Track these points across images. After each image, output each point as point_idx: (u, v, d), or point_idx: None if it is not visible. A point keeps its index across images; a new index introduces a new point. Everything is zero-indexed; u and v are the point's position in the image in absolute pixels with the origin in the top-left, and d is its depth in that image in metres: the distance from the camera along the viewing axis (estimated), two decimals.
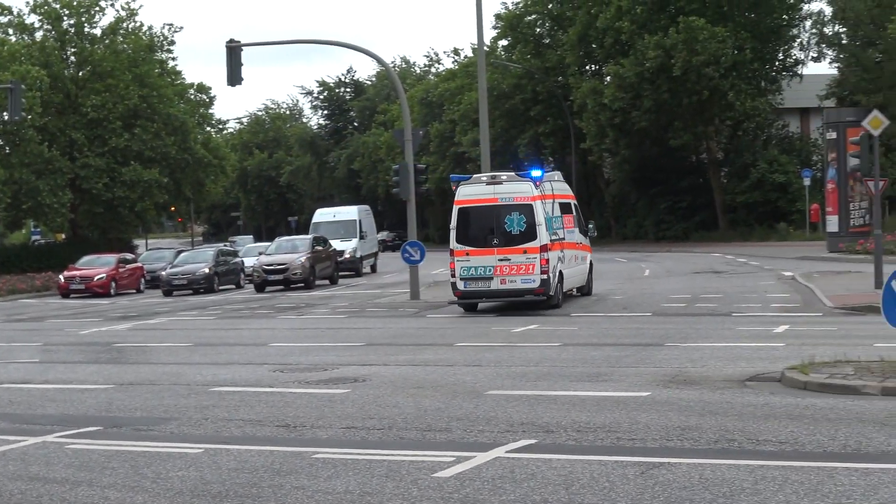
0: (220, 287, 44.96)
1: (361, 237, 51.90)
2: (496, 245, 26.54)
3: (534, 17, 75.83)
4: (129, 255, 51.62)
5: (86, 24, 62.62)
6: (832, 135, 45.14)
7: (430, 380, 15.25)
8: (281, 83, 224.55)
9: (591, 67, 72.32)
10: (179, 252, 52.35)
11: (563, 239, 28.37)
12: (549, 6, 74.40)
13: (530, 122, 73.95)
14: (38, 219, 65.62)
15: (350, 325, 25.59)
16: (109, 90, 61.42)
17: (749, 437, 10.44)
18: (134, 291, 46.50)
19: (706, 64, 59.51)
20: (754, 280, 33.69)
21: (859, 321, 21.26)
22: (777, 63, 66.36)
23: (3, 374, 18.48)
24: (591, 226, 32.92)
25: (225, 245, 64.13)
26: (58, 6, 62.02)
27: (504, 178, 27.25)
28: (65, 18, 62.35)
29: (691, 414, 11.74)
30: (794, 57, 66.67)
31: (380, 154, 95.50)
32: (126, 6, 63.57)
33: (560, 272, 27.52)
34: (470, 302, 27.66)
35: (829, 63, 66.29)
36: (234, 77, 33.92)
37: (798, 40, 66.40)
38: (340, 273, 46.73)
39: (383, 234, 71.81)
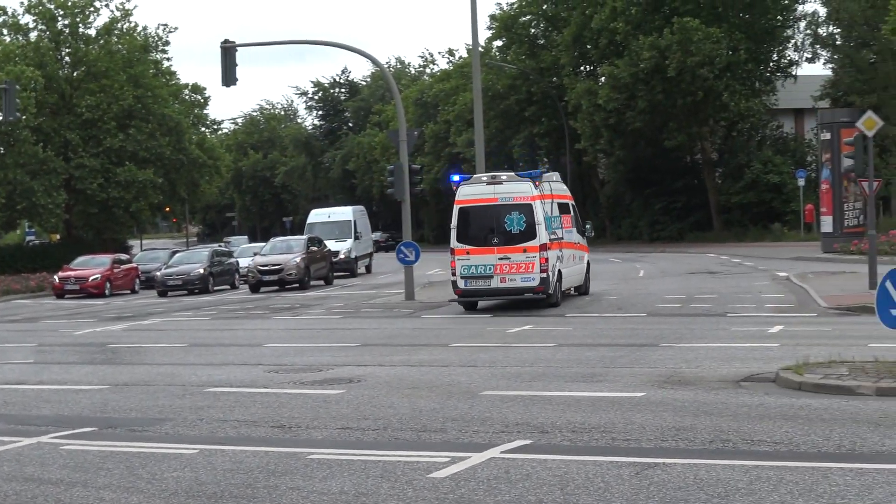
0: (215, 288, 44.93)
1: (356, 238, 51.89)
2: (496, 244, 26.85)
3: (528, 17, 75.84)
4: (123, 256, 51.56)
5: (80, 25, 62.54)
6: (826, 135, 45.18)
7: (425, 380, 15.25)
8: (275, 84, 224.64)
9: (585, 68, 72.35)
10: (174, 252, 52.29)
11: (562, 238, 28.66)
12: (544, 7, 74.42)
13: (525, 123, 73.98)
14: (33, 219, 65.55)
15: (345, 326, 25.58)
16: (104, 90, 61.34)
17: (744, 438, 10.45)
18: (129, 292, 46.44)
19: (700, 65, 59.57)
20: (749, 280, 33.72)
21: (854, 321, 21.29)
22: (771, 64, 66.45)
23: None
24: (588, 226, 33.19)
25: (220, 245, 64.05)
26: (52, 6, 61.94)
27: (504, 177, 27.65)
28: (59, 19, 62.26)
29: (686, 414, 11.75)
30: (788, 58, 66.80)
31: (374, 154, 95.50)
32: (120, 7, 63.53)
33: (559, 271, 27.83)
34: (470, 300, 27.94)
35: (824, 64, 66.43)
36: (229, 77, 33.93)
37: (792, 41, 66.53)
38: (335, 273, 46.71)
39: (376, 235, 71.88)
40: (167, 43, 66.22)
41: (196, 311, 32.89)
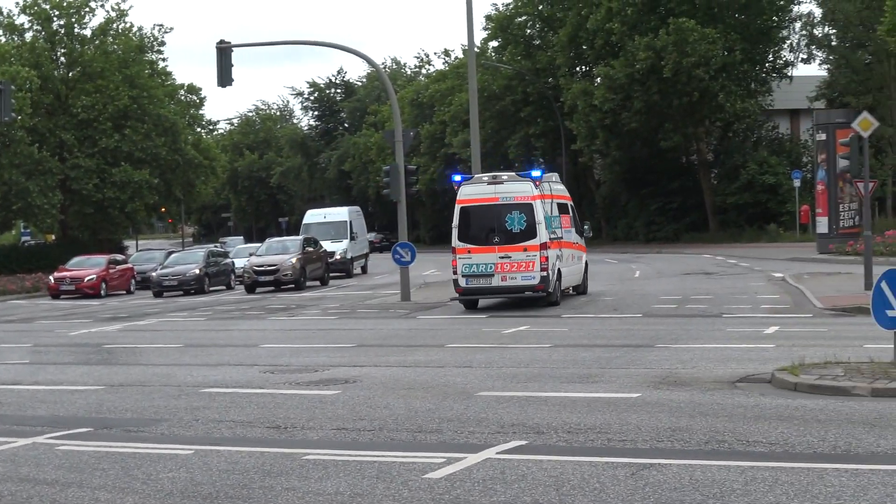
0: (211, 288, 44.92)
1: (352, 238, 51.87)
2: (497, 243, 27.24)
3: (524, 18, 75.87)
4: (119, 256, 51.54)
5: (76, 25, 62.51)
6: (822, 136, 45.20)
7: (420, 381, 15.25)
8: (271, 84, 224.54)
9: (581, 69, 72.37)
10: (170, 253, 52.28)
11: (561, 238, 29.01)
12: (540, 7, 74.44)
13: (521, 124, 73.99)
14: (28, 220, 65.50)
15: (341, 327, 25.58)
16: (99, 91, 61.32)
17: (739, 438, 10.45)
18: (124, 292, 46.42)
19: (696, 65, 59.60)
20: (744, 281, 33.74)
21: (849, 322, 21.30)
22: (767, 64, 66.48)
23: None
24: (586, 226, 33.61)
25: (215, 246, 64.02)
26: (48, 7, 61.90)
27: (505, 177, 28.07)
28: (55, 19, 62.22)
29: (682, 415, 11.75)
30: (783, 58, 66.80)
31: (370, 155, 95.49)
32: (116, 7, 63.56)
33: (559, 270, 28.21)
34: (471, 298, 28.27)
35: (819, 65, 66.50)
36: (225, 78, 33.90)
37: (788, 42, 66.56)
38: (331, 274, 46.73)
39: (370, 236, 71.85)
40: (163, 43, 66.29)
41: (192, 312, 32.88)
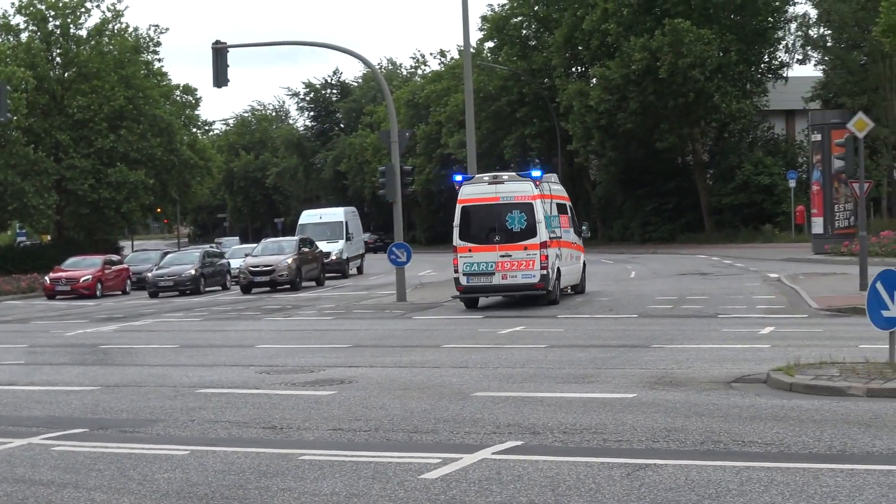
0: (207, 289, 44.91)
1: (348, 239, 51.88)
2: (498, 242, 27.63)
3: (520, 19, 75.91)
4: (114, 257, 51.51)
5: (71, 26, 62.41)
6: (817, 137, 45.25)
7: (416, 381, 15.25)
8: (267, 84, 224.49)
9: (577, 69, 72.42)
10: (165, 253, 52.28)
11: (561, 238, 29.41)
12: (536, 8, 74.48)
13: (517, 124, 74.02)
14: (24, 220, 65.39)
15: (336, 327, 25.57)
16: (95, 91, 61.25)
17: (735, 439, 10.46)
18: (120, 293, 46.39)
19: (692, 66, 59.65)
20: (740, 282, 33.77)
21: (844, 322, 21.32)
22: (762, 65, 66.58)
23: None
24: (584, 227, 34.15)
25: (211, 246, 64.02)
26: (43, 7, 61.80)
27: (505, 177, 28.56)
28: (50, 19, 62.14)
29: (677, 415, 11.76)
30: (779, 59, 66.92)
31: (366, 155, 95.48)
32: (112, 7, 63.42)
33: (558, 269, 28.59)
34: (472, 297, 28.61)
35: (815, 65, 66.62)
36: (221, 78, 33.90)
37: (783, 43, 66.67)
38: (327, 275, 46.73)
39: (365, 236, 71.91)
40: (158, 44, 66.21)
41: (187, 312, 32.86)
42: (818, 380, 13.22)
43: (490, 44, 78.50)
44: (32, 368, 19.35)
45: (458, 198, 28.31)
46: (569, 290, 30.94)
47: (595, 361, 16.64)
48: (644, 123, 64.08)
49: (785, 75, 66.58)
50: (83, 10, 62.46)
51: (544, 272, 27.38)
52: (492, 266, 27.58)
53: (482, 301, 29.34)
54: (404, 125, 74.46)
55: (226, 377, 16.77)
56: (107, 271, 46.06)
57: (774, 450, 9.98)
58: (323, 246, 47.96)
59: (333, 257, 49.45)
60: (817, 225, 45.35)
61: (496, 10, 76.19)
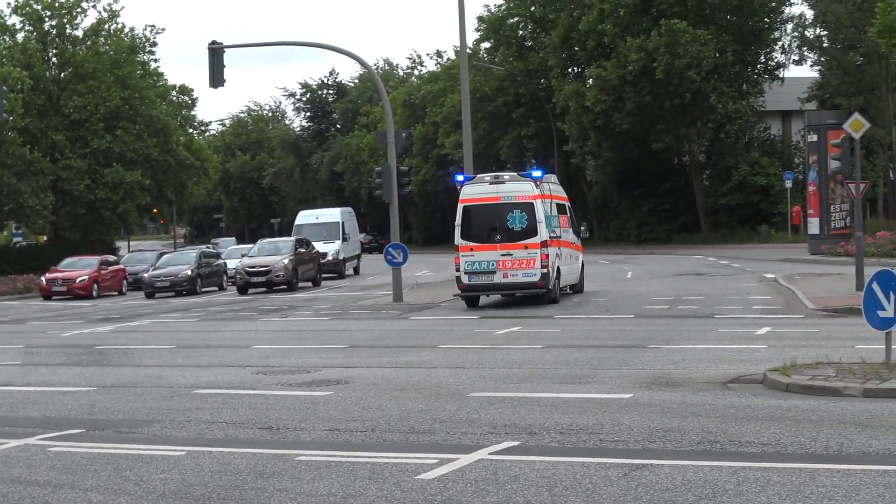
0: (203, 289, 44.87)
1: (344, 239, 51.88)
2: (499, 241, 27.98)
3: (516, 19, 75.91)
4: (111, 257, 51.45)
5: (67, 26, 62.43)
6: (813, 137, 45.28)
7: (413, 382, 15.25)
8: (263, 85, 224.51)
9: (573, 70, 72.41)
10: (162, 254, 52.23)
11: (560, 237, 29.78)
12: (532, 9, 74.47)
13: (513, 125, 74.03)
14: (20, 221, 65.39)
15: (333, 328, 25.57)
16: (91, 92, 61.25)
17: (731, 439, 10.47)
18: (116, 293, 46.35)
19: (688, 67, 59.66)
20: (736, 282, 33.79)
21: (841, 323, 21.34)
22: (759, 66, 66.58)
23: None
24: (583, 227, 34.65)
25: (207, 247, 63.96)
26: (39, 7, 61.81)
27: (506, 177, 28.99)
28: (46, 20, 62.14)
29: (674, 416, 11.77)
30: (775, 60, 66.93)
31: (362, 156, 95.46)
32: (108, 7, 63.47)
33: (558, 268, 28.92)
34: (473, 295, 28.89)
35: (811, 66, 66.66)
36: (217, 79, 33.88)
37: (779, 43, 66.70)
38: (323, 275, 46.71)
39: (360, 237, 71.84)
40: (154, 44, 66.27)
41: (184, 313, 32.84)
42: (815, 380, 13.23)
43: (486, 44, 78.52)
44: (29, 369, 19.33)
45: (460, 197, 28.61)
46: (567, 290, 31.14)
47: (591, 362, 16.64)
48: (640, 124, 64.09)
49: (781, 76, 66.60)
50: (79, 10, 62.50)
51: (545, 271, 27.71)
52: (493, 265, 27.89)
53: (482, 300, 29.56)
54: (401, 126, 74.43)
55: (222, 378, 16.76)
56: (103, 272, 46.03)
57: (771, 450, 9.99)
58: (319, 246, 47.94)
59: (330, 258, 49.44)
60: (813, 225, 45.38)
61: (493, 10, 76.20)
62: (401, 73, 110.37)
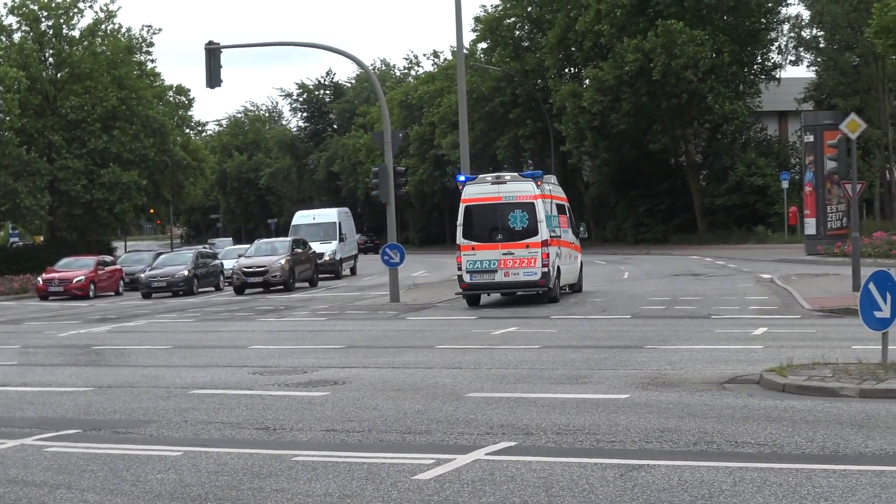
0: (200, 289, 44.86)
1: (341, 239, 51.87)
2: (500, 240, 28.36)
3: (513, 20, 75.90)
4: (107, 258, 51.42)
5: (64, 26, 62.39)
6: (810, 138, 45.30)
7: (409, 382, 15.25)
8: (260, 85, 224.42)
9: (570, 70, 72.40)
10: (158, 254, 52.20)
11: (560, 237, 30.14)
12: (529, 9, 74.46)
13: (510, 125, 74.02)
14: (17, 221, 65.33)
15: (330, 328, 25.56)
16: (88, 92, 61.22)
17: (728, 439, 10.48)
18: (113, 294, 46.34)
19: (685, 67, 59.66)
20: (733, 282, 33.80)
21: (837, 323, 21.35)
22: (755, 66, 66.62)
23: None
24: (581, 227, 35.05)
25: (204, 247, 63.95)
26: (36, 8, 61.77)
27: (508, 177, 29.42)
28: (43, 20, 62.09)
29: (670, 416, 11.77)
30: (772, 60, 66.96)
31: (359, 156, 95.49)
32: (104, 8, 63.48)
33: (558, 267, 29.27)
34: (475, 294, 29.27)
35: (807, 66, 66.66)
36: (214, 79, 33.85)
37: (776, 44, 66.73)
38: (320, 275, 46.71)
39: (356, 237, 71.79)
40: (151, 44, 66.24)
41: (180, 313, 32.83)
42: (811, 380, 13.24)
43: (483, 45, 78.48)
44: (25, 369, 19.33)
45: (462, 197, 28.94)
46: (567, 289, 31.36)
47: (588, 362, 16.65)
48: (637, 124, 64.10)
49: (778, 76, 66.64)
50: (76, 10, 62.44)
51: (545, 269, 28.07)
52: (494, 263, 28.27)
53: (483, 299, 29.91)
54: (397, 126, 74.40)
55: (219, 378, 16.76)
56: (100, 272, 46.02)
57: (767, 450, 10.00)
58: (316, 247, 47.93)
59: (327, 258, 49.43)
60: (810, 226, 45.40)
61: (489, 11, 76.21)
62: (397, 74, 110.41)
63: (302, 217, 54.09)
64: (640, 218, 68.48)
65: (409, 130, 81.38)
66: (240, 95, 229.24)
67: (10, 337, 26.81)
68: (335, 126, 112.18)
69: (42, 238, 71.68)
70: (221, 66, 33.91)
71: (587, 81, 66.74)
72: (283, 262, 42.29)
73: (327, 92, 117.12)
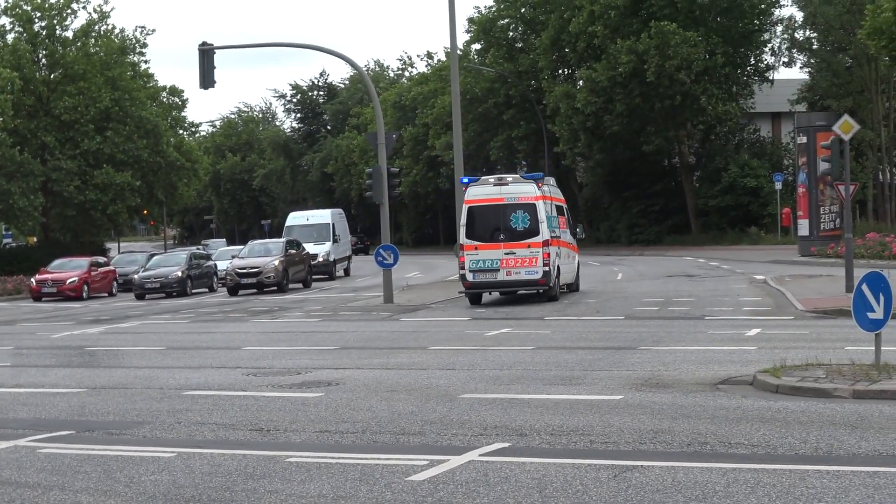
0: (193, 290, 44.82)
1: (335, 240, 51.86)
2: (502, 240, 29.12)
3: (507, 21, 75.90)
4: (101, 259, 51.37)
5: (57, 27, 62.31)
6: (803, 139, 45.36)
7: (403, 383, 15.25)
8: (253, 86, 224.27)
9: (563, 71, 72.45)
10: (152, 255, 52.17)
11: (560, 238, 30.85)
12: (522, 10, 74.47)
13: (503, 126, 74.03)
14: (10, 222, 65.24)
15: (323, 329, 25.55)
16: (81, 93, 61.13)
17: (721, 440, 10.49)
18: (106, 295, 46.29)
19: (678, 69, 59.67)
20: (726, 284, 33.83)
21: (830, 324, 21.37)
22: (748, 68, 66.68)
23: None
24: (579, 228, 36.08)
25: (198, 248, 63.90)
26: (29, 8, 61.68)
27: (510, 179, 30.25)
28: (36, 21, 62.01)
29: (664, 417, 11.78)
30: (765, 62, 67.03)
31: (353, 157, 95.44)
32: (98, 9, 63.35)
33: (558, 266, 29.96)
34: (477, 292, 29.94)
35: (800, 68, 66.83)
36: (207, 80, 33.87)
37: (769, 45, 66.80)
38: (314, 276, 46.68)
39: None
40: (145, 45, 66.16)
41: (174, 314, 32.80)
42: (804, 381, 13.26)
43: (477, 46, 78.51)
44: (18, 370, 19.30)
45: (465, 198, 29.68)
46: (564, 288, 31.89)
47: (582, 363, 16.66)
48: (631, 126, 64.13)
49: (771, 78, 66.69)
50: (69, 11, 62.37)
51: (546, 269, 28.79)
52: (497, 263, 29.03)
53: (484, 297, 30.61)
54: (391, 127, 74.44)
55: (213, 379, 16.75)
56: (93, 273, 45.97)
57: (761, 451, 10.01)
58: (310, 248, 47.94)
59: (320, 259, 49.43)
60: (803, 227, 45.46)
61: (483, 12, 76.19)
62: (391, 75, 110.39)
63: (295, 218, 54.09)
64: (634, 219, 68.54)
65: (403, 131, 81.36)
66: (233, 96, 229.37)
67: (4, 338, 26.77)
68: (329, 127, 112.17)
69: (35, 239, 71.56)
70: (215, 67, 33.95)
71: (581, 83, 66.76)
72: (276, 263, 42.28)
73: (321, 93, 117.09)
